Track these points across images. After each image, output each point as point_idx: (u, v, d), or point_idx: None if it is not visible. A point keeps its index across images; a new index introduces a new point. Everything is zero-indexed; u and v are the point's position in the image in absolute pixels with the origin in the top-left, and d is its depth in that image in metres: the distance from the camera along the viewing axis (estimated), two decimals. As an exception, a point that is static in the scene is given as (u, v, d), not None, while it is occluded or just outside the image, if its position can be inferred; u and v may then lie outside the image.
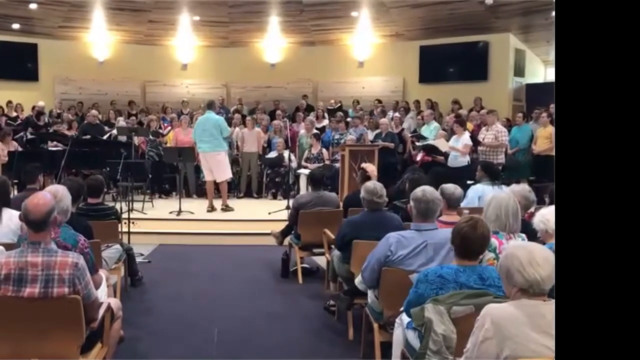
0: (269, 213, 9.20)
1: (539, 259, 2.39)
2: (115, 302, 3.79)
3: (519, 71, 14.26)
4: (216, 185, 9.82)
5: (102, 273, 4.09)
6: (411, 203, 3.87)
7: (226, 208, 9.56)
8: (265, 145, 11.95)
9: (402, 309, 3.26)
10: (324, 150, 11.29)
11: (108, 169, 9.48)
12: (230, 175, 10.11)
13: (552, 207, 3.57)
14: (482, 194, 5.99)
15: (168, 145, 11.08)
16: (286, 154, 11.04)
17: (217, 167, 9.51)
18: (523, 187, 4.97)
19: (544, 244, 3.21)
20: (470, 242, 3.00)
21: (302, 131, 12.01)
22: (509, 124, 11.28)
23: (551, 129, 10.19)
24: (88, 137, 10.89)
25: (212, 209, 9.53)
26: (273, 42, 15.72)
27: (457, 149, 9.31)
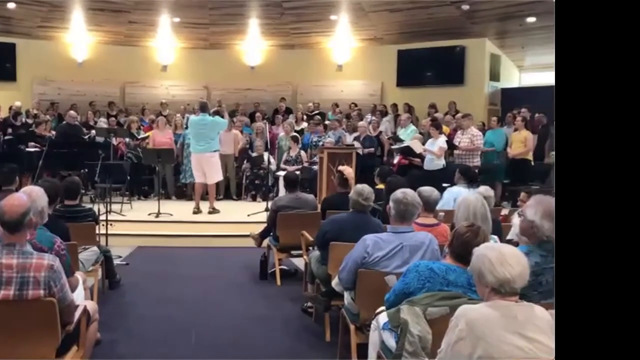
0: (248, 215, 9.19)
1: (509, 259, 2.44)
2: (91, 305, 3.78)
3: (495, 76, 14.41)
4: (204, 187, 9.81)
5: (79, 275, 4.08)
6: (390, 204, 3.91)
7: (213, 210, 9.54)
8: (248, 147, 11.95)
9: (385, 297, 3.30)
10: (302, 152, 11.34)
11: (86, 170, 9.41)
12: (221, 178, 10.13)
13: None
14: (458, 196, 6.05)
15: (149, 146, 11.01)
16: (265, 155, 11.05)
17: (210, 168, 9.50)
18: (486, 188, 5.05)
19: (516, 245, 3.26)
20: (469, 247, 3.04)
21: (282, 133, 12.05)
22: (484, 128, 11.40)
23: (526, 133, 10.36)
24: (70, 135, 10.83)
25: (198, 210, 9.51)
26: (253, 45, 15.70)
27: (431, 151, 9.40)
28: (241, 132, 12.26)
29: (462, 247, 3.05)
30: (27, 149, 10.32)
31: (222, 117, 10.07)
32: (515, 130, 10.58)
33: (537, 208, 3.14)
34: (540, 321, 2.41)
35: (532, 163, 10.54)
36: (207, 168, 9.48)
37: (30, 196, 3.47)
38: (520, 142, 10.32)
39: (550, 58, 13.61)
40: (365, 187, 4.78)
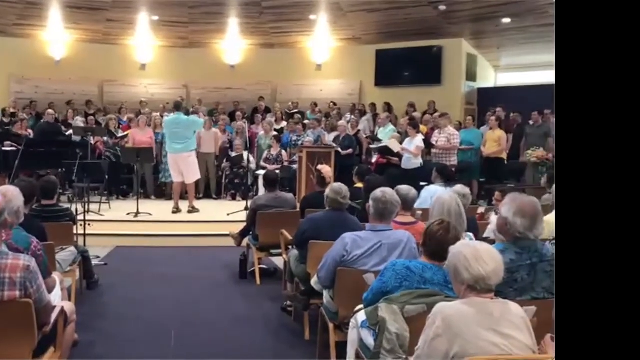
0: (228, 214, 9.18)
1: (484, 256, 2.47)
2: (68, 306, 3.75)
3: (471, 76, 14.55)
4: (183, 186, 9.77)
5: (56, 276, 4.04)
6: (370, 202, 3.94)
7: (193, 209, 9.52)
8: (228, 146, 11.93)
9: (363, 296, 3.32)
10: (283, 151, 11.35)
11: (63, 169, 9.32)
12: (199, 176, 10.10)
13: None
14: (435, 194, 6.10)
15: (128, 145, 10.93)
16: (245, 154, 11.04)
17: (187, 168, 9.49)
18: (462, 186, 5.10)
19: (493, 243, 3.31)
20: (444, 244, 3.08)
21: (261, 132, 12.05)
22: (461, 127, 11.51)
23: (500, 133, 10.52)
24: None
25: (177, 210, 9.48)
26: (233, 44, 15.66)
27: (409, 150, 9.46)
28: (224, 131, 12.23)
29: (436, 246, 3.09)
30: (3, 148, 10.19)
31: (198, 116, 10.02)
32: (490, 129, 10.71)
33: (511, 205, 3.19)
34: (515, 318, 2.45)
35: (506, 162, 10.69)
36: (184, 168, 9.46)
37: (6, 196, 3.42)
38: (494, 141, 10.49)
39: (525, 58, 13.85)
40: (342, 186, 4.82)
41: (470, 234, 3.90)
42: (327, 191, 4.83)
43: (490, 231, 4.60)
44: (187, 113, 9.92)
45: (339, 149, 10.34)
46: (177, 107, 9.66)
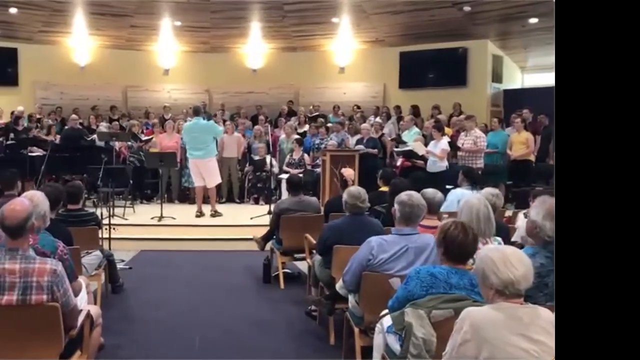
0: (251, 218, 9.19)
1: (512, 260, 2.42)
2: (95, 309, 3.77)
3: (497, 77, 14.39)
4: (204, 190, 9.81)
5: (82, 280, 4.07)
6: (395, 206, 3.90)
7: (215, 213, 9.55)
8: (246, 150, 11.95)
9: (388, 304, 3.28)
10: (305, 155, 11.32)
11: (87, 174, 9.42)
12: (220, 180, 10.14)
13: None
14: (462, 197, 6.02)
15: (153, 150, 11.00)
16: (268, 158, 11.05)
17: (208, 173, 9.53)
18: (489, 190, 5.03)
19: (521, 247, 3.26)
20: (465, 246, 3.03)
21: (283, 136, 12.04)
22: (487, 129, 11.37)
23: (526, 134, 10.35)
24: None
25: (200, 214, 9.52)
26: (255, 48, 15.72)
27: (434, 153, 9.38)
28: (243, 135, 12.26)
29: (458, 249, 3.05)
30: (29, 154, 10.33)
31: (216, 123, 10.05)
32: (515, 131, 10.57)
33: (540, 208, 3.14)
34: (545, 323, 2.39)
35: (534, 164, 10.53)
36: (205, 173, 9.51)
37: (32, 201, 3.46)
38: (522, 143, 10.32)
39: (552, 59, 13.55)
40: (360, 190, 4.82)
41: (499, 238, 3.84)
42: (345, 196, 4.80)
43: (518, 236, 4.54)
44: (210, 118, 9.93)
45: (365, 149, 10.27)
46: (196, 112, 9.70)
